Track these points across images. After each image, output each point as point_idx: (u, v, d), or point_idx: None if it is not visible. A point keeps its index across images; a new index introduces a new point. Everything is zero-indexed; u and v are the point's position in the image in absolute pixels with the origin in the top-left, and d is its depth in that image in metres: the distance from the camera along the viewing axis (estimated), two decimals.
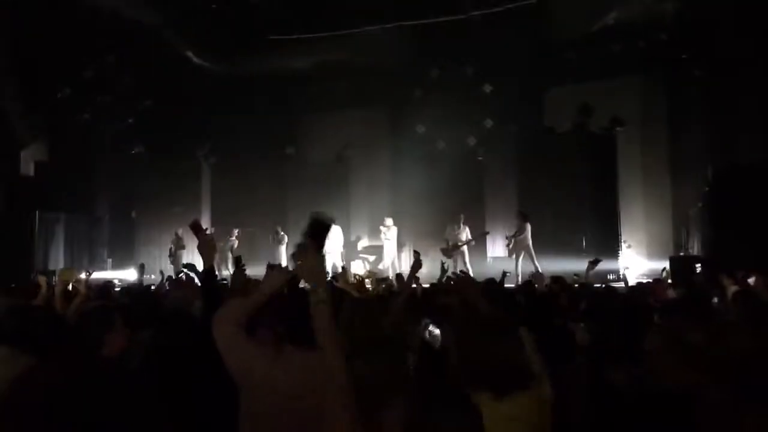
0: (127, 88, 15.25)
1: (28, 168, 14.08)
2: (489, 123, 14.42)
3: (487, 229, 13.59)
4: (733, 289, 6.19)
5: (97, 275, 13.55)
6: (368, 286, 8.84)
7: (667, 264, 10.23)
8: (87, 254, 15.05)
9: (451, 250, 12.92)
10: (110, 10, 13.93)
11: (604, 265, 11.99)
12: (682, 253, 12.38)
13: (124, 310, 4.76)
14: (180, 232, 14.27)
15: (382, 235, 14.11)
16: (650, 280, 8.63)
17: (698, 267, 8.22)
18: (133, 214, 15.57)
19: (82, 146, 14.94)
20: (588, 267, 7.10)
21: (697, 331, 2.57)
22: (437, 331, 3.07)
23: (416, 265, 4.61)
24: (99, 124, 15.36)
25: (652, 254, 13.22)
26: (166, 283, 8.55)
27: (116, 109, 15.38)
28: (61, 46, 13.92)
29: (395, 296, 4.70)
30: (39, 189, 13.75)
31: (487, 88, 14.44)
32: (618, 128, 12.78)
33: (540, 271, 11.31)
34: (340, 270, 13.32)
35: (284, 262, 14.07)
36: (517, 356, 2.42)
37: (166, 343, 3.11)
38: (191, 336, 3.09)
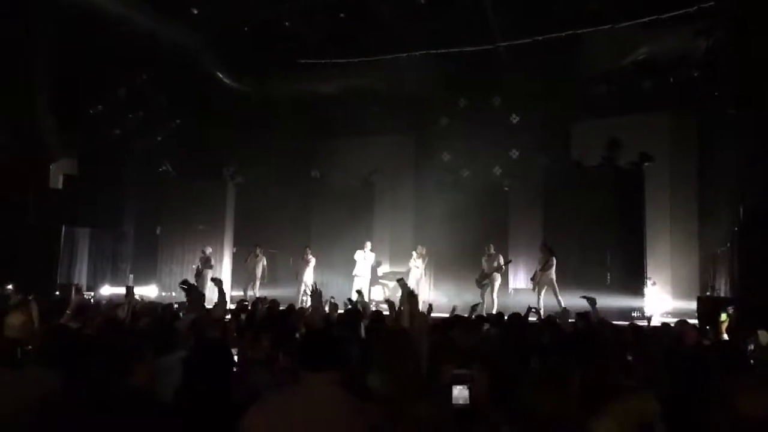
0: (158, 107, 15.52)
1: (57, 181, 14.30)
2: (515, 154, 14.40)
3: (509, 258, 13.40)
4: (765, 336, 6.05)
5: (119, 290, 13.69)
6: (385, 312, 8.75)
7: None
8: (110, 269, 15.19)
9: (482, 279, 12.78)
10: (147, 31, 14.25)
11: (628, 302, 11.94)
12: (708, 293, 12.16)
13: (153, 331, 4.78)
14: (208, 251, 14.31)
15: (412, 261, 14.02)
16: (675, 321, 8.40)
17: (731, 309, 8.02)
18: (158, 231, 15.69)
19: (111, 162, 15.19)
20: (592, 306, 6.82)
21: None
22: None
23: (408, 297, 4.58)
24: (129, 141, 15.61)
25: (677, 293, 13.00)
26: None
27: (147, 127, 15.63)
28: (98, 64, 14.26)
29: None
30: (67, 202, 13.94)
31: (514, 119, 14.45)
32: (646, 164, 12.65)
33: (563, 306, 11.16)
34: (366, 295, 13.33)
35: (309, 283, 14.09)
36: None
37: (202, 374, 3.03)
38: (226, 368, 3.05)
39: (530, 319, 7.46)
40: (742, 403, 2.24)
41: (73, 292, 7.38)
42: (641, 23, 12.68)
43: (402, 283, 7.05)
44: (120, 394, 2.76)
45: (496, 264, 12.80)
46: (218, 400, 2.78)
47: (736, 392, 2.29)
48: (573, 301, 11.26)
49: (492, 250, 12.98)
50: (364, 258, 14.05)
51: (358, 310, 7.12)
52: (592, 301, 6.76)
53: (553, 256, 12.03)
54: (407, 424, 2.67)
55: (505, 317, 7.12)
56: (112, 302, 7.76)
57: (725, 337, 5.94)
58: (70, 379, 2.91)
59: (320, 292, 7.19)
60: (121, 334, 4.18)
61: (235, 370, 3.51)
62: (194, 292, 6.17)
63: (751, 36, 10.31)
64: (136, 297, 9.38)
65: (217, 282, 6.48)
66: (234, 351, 3.97)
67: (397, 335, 4.37)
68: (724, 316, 6.44)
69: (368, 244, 14.13)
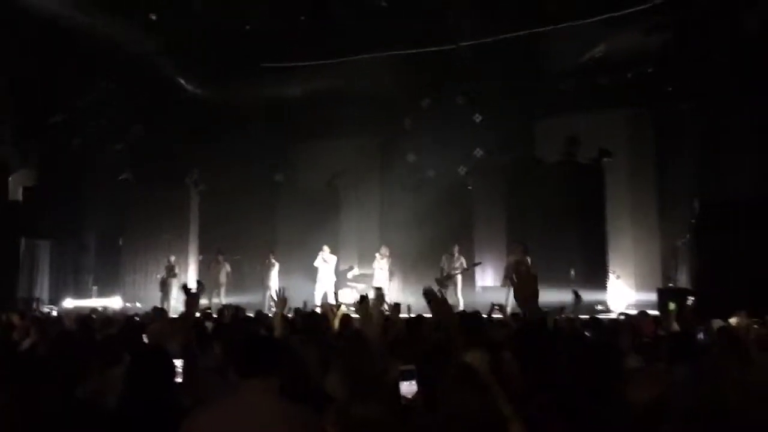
0: (118, 115, 15.28)
1: (16, 193, 14.00)
2: (479, 152, 14.47)
3: (478, 260, 13.50)
4: (717, 323, 6.21)
5: (82, 303, 13.48)
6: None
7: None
8: (72, 281, 14.92)
9: (445, 279, 12.87)
10: (105, 37, 14.04)
11: (592, 296, 12.09)
12: (671, 285, 12.39)
13: (104, 343, 4.73)
14: (172, 259, 14.17)
15: (376, 263, 14.05)
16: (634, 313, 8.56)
17: (690, 300, 8.19)
18: (120, 241, 15.46)
19: (71, 172, 14.92)
20: (575, 301, 6.94)
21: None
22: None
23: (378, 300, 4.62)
24: (89, 151, 15.34)
25: (640, 285, 13.22)
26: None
27: (107, 136, 15.38)
28: (56, 72, 14.00)
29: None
30: (26, 215, 13.66)
31: (477, 118, 14.52)
32: (605, 159, 12.85)
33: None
34: (330, 299, 13.28)
35: (274, 288, 13.99)
36: (489, 410, 2.37)
37: (141, 383, 3.02)
38: (166, 376, 3.03)
39: (494, 315, 7.55)
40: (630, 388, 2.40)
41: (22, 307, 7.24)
42: (598, 21, 12.87)
43: (378, 292, 7.03)
44: (65, 407, 2.75)
45: (458, 264, 12.89)
46: (159, 408, 2.76)
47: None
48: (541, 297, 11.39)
49: (455, 252, 13.06)
50: (324, 261, 14.02)
51: (318, 314, 7.10)
52: (578, 298, 6.82)
53: (527, 254, 12.14)
54: (348, 424, 2.68)
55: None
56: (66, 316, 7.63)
57: (676, 327, 6.06)
58: (15, 395, 2.87)
59: (285, 298, 7.13)
60: (71, 348, 4.11)
61: (183, 378, 3.48)
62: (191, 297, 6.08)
63: (700, 33, 10.55)
64: (99, 308, 9.29)
65: (185, 289, 6.39)
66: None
67: (352, 337, 4.40)
68: (672, 306, 6.58)
69: (326, 248, 14.07)
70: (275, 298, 5.80)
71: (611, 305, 12.03)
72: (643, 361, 4.93)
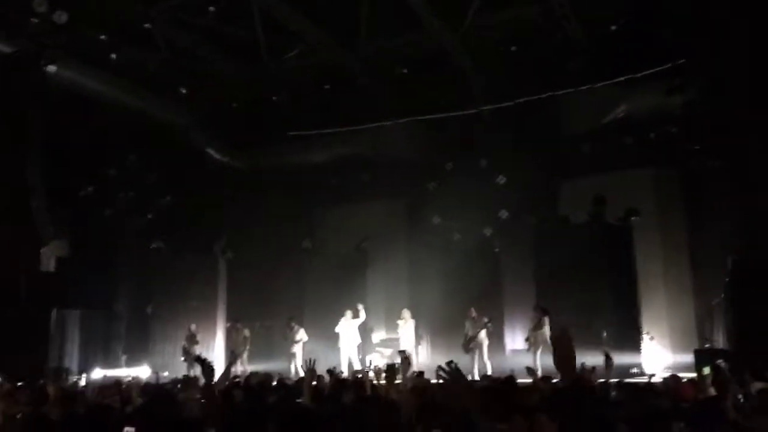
0: (148, 185, 15.67)
1: (49, 264, 14.25)
2: (504, 214, 14.44)
3: (488, 320, 13.06)
4: (758, 386, 5.97)
5: (111, 372, 13.48)
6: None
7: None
8: (102, 351, 14.97)
9: (467, 344, 12.69)
10: (136, 110, 14.56)
11: (626, 358, 11.77)
12: (707, 345, 12.02)
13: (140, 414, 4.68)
14: (193, 327, 14.18)
15: (399, 329, 13.90)
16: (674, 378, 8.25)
17: (722, 362, 7.93)
18: (149, 310, 15.57)
19: (102, 242, 15.20)
20: (606, 363, 6.76)
21: None
22: None
23: (404, 364, 4.54)
24: (120, 220, 15.67)
25: (675, 346, 12.83)
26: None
27: (137, 205, 15.73)
28: (87, 144, 14.49)
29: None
30: (58, 285, 13.86)
31: (501, 180, 14.57)
32: (633, 218, 12.73)
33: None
34: (356, 364, 13.10)
35: (298, 354, 13.87)
36: None
37: None
38: None
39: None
40: None
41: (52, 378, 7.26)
42: (618, 82, 13.02)
43: (403, 355, 6.96)
44: None
45: (480, 325, 12.72)
46: None
47: None
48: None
49: (473, 313, 12.90)
50: (347, 326, 13.85)
51: (342, 381, 7.01)
52: (609, 360, 6.67)
53: (547, 315, 11.97)
54: None
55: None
56: (101, 388, 7.63)
57: (712, 391, 5.85)
58: None
59: (313, 369, 6.98)
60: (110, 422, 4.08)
61: None
62: (207, 368, 6.05)
63: (722, 91, 10.58)
64: (129, 378, 9.28)
65: (199, 360, 6.36)
66: None
67: (379, 405, 4.30)
68: (706, 370, 6.37)
69: (348, 313, 13.91)
70: (302, 366, 5.74)
71: (646, 368, 11.67)
72: (685, 428, 4.75)
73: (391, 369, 5.60)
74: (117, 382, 8.82)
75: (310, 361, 5.78)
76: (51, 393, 5.87)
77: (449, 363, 4.98)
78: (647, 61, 12.54)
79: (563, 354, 2.84)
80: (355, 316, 13.87)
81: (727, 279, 10.23)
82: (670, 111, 12.66)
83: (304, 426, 2.66)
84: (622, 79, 12.94)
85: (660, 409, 4.52)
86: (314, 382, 6.72)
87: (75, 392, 6.92)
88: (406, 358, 5.71)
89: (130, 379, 11.39)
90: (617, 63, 12.85)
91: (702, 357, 9.79)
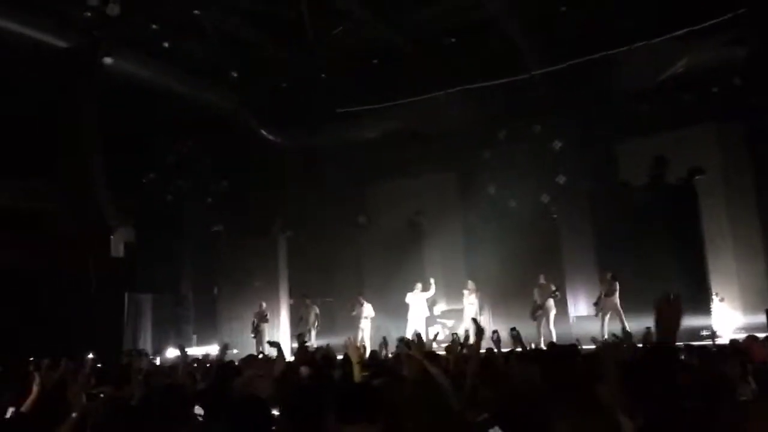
0: (206, 170, 16.02)
1: (118, 250, 14.78)
2: (561, 179, 14.18)
3: (556, 290, 12.96)
4: None
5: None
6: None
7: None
8: (174, 332, 15.54)
9: (534, 312, 12.65)
10: (189, 97, 14.83)
11: (696, 321, 11.50)
12: None
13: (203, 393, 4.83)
14: (263, 305, 14.58)
15: (465, 299, 13.94)
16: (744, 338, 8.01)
17: None
18: (215, 291, 16.04)
19: (165, 227, 15.67)
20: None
21: None
22: None
23: (478, 333, 4.52)
24: (181, 206, 16.12)
25: (747, 307, 12.45)
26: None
27: (197, 191, 16.13)
28: (145, 133, 14.88)
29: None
30: (129, 270, 14.41)
31: (557, 145, 14.28)
32: (697, 177, 12.32)
33: (627, 329, 10.93)
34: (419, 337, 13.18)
35: (366, 329, 14.14)
36: None
37: None
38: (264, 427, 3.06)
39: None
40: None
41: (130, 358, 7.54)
42: (676, 36, 12.50)
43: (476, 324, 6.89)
44: None
45: (547, 293, 12.62)
46: None
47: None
48: (635, 325, 10.96)
49: (542, 280, 12.82)
50: (417, 299, 14.01)
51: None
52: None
53: (617, 281, 11.81)
54: None
55: None
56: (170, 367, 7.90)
57: None
58: None
59: (358, 346, 6.94)
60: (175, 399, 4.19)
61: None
62: (280, 351, 6.29)
63: None
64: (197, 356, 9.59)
65: (275, 344, 6.57)
66: None
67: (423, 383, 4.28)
68: None
69: (418, 285, 14.10)
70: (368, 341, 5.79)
71: (718, 330, 11.39)
72: (759, 390, 4.63)
73: (455, 341, 5.62)
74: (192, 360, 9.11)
75: (353, 338, 5.75)
76: (131, 373, 6.09)
77: (512, 329, 4.95)
78: (705, 12, 11.98)
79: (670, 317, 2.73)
80: (425, 289, 14.02)
81: None
82: (733, 63, 12.10)
83: (360, 402, 2.69)
84: (679, 33, 12.40)
85: (726, 375, 4.39)
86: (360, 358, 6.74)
87: (152, 372, 7.19)
88: (480, 329, 5.67)
89: (200, 357, 11.78)
90: (674, 17, 12.32)
91: None
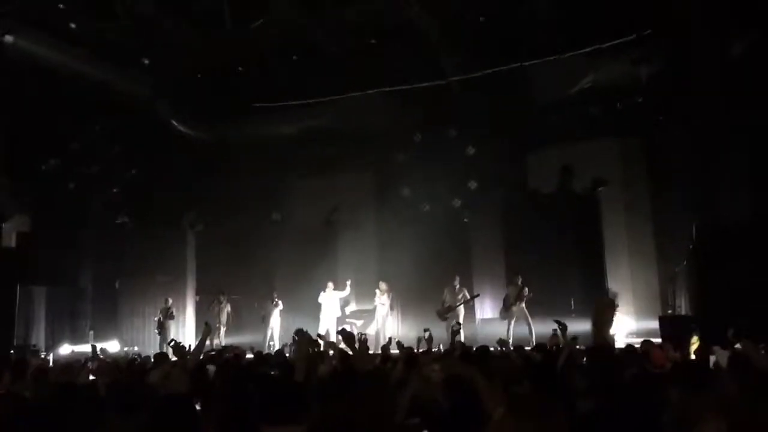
0: (113, 158, 15.32)
1: (10, 240, 13.90)
2: (473, 185, 14.53)
3: (476, 292, 13.51)
4: (725, 353, 6.15)
5: (79, 348, 13.33)
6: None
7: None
8: (68, 327, 14.76)
9: (444, 312, 12.87)
10: (99, 82, 14.16)
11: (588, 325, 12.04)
12: (670, 311, 12.38)
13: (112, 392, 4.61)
14: (170, 301, 14.10)
15: (377, 299, 14.03)
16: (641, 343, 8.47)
17: (695, 327, 8.14)
18: (117, 285, 15.36)
19: (66, 217, 14.87)
20: (562, 332, 6.75)
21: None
22: None
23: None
24: (85, 195, 15.33)
25: (640, 313, 13.18)
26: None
27: (102, 179, 15.39)
28: (49, 117, 14.06)
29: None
30: (21, 261, 13.55)
31: (470, 151, 14.62)
32: (600, 188, 12.95)
33: (533, 332, 11.45)
34: (332, 336, 13.13)
35: (276, 328, 14.01)
36: None
37: None
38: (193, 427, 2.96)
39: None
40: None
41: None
42: (585, 53, 13.09)
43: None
44: None
45: (461, 296, 12.89)
46: None
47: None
48: (540, 328, 11.41)
49: (457, 283, 13.07)
50: (329, 298, 14.00)
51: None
52: (563, 327, 6.71)
53: (526, 287, 12.23)
54: None
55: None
56: (66, 365, 7.52)
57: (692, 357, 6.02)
58: None
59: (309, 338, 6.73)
60: (78, 401, 4.01)
61: None
62: (180, 351, 5.91)
63: (687, 61, 10.73)
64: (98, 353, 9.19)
65: (174, 346, 6.25)
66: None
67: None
68: (695, 339, 6.50)
69: (330, 285, 14.09)
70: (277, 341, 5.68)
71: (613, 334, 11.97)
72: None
73: (350, 338, 5.62)
74: (85, 359, 8.71)
75: (303, 332, 5.58)
76: (25, 370, 5.75)
77: (425, 330, 5.02)
78: (613, 31, 12.62)
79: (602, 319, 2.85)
80: (339, 289, 14.01)
81: (691, 246, 10.49)
82: (636, 81, 12.79)
83: (291, 399, 2.65)
84: (588, 49, 13.01)
85: (650, 374, 4.62)
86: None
87: (46, 369, 6.79)
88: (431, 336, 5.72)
89: (99, 352, 11.26)
90: (584, 34, 12.90)
91: (668, 324, 10.07)
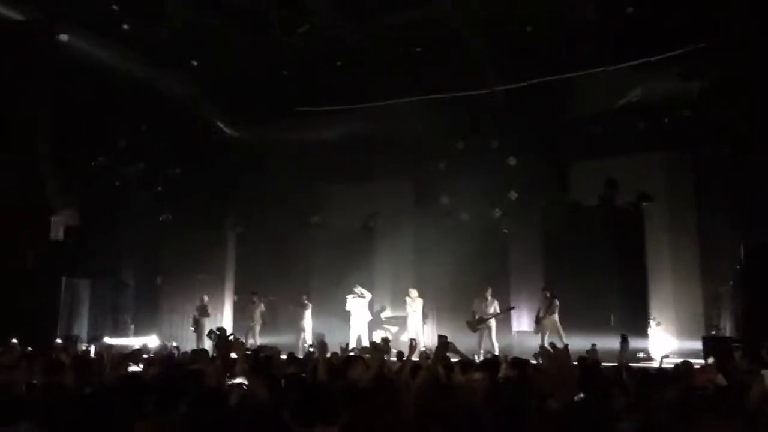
0: (158, 157, 15.65)
1: (58, 233, 14.28)
2: (514, 195, 14.39)
3: (512, 304, 13.37)
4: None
5: (120, 341, 13.59)
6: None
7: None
8: (110, 320, 15.08)
9: (477, 323, 12.75)
10: (146, 81, 14.49)
11: (633, 343, 11.80)
12: (713, 332, 12.06)
13: (155, 387, 4.68)
14: (206, 299, 14.31)
15: (408, 307, 14.00)
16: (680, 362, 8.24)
17: (738, 348, 7.92)
18: (158, 281, 15.66)
19: (111, 213, 15.22)
20: (622, 346, 6.74)
21: None
22: None
23: (442, 349, 4.47)
24: (129, 192, 15.69)
25: (682, 332, 12.87)
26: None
27: (147, 177, 15.73)
28: (97, 115, 14.44)
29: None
30: (68, 254, 13.92)
31: (512, 161, 14.51)
32: (644, 203, 12.70)
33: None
34: (364, 341, 13.13)
35: (308, 330, 14.10)
36: None
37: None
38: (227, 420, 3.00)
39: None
40: None
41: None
42: (633, 66, 12.89)
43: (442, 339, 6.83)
44: None
45: (492, 310, 12.75)
46: None
47: None
48: (577, 343, 11.20)
49: (489, 295, 12.92)
50: (356, 305, 13.99)
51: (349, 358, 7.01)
52: (625, 343, 6.63)
53: (556, 299, 12.05)
54: None
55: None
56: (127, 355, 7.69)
57: (721, 379, 5.85)
58: None
59: (325, 343, 6.94)
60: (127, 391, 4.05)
61: None
62: (222, 341, 6.00)
63: (739, 79, 10.47)
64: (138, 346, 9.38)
65: (210, 334, 6.36)
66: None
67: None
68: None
69: (356, 290, 14.08)
70: (311, 342, 5.72)
71: (653, 353, 11.73)
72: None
73: (373, 346, 5.60)
74: (137, 351, 8.90)
75: (321, 336, 5.76)
76: (65, 361, 5.88)
77: (441, 337, 4.95)
78: (663, 44, 12.40)
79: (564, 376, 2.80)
80: (360, 296, 14.02)
81: (737, 266, 10.22)
82: (685, 96, 12.54)
83: (318, 401, 2.66)
84: (636, 62, 12.81)
85: (694, 395, 4.49)
86: (328, 356, 6.73)
87: (90, 360, 6.95)
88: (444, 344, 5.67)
89: (139, 347, 11.51)
90: (632, 46, 12.71)
91: (710, 344, 9.82)
